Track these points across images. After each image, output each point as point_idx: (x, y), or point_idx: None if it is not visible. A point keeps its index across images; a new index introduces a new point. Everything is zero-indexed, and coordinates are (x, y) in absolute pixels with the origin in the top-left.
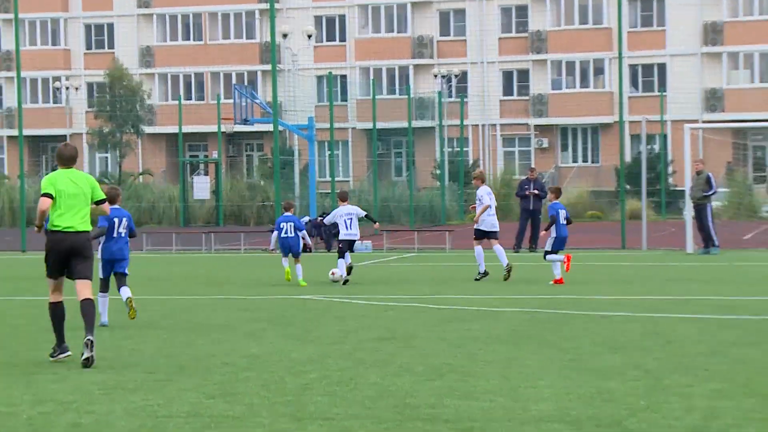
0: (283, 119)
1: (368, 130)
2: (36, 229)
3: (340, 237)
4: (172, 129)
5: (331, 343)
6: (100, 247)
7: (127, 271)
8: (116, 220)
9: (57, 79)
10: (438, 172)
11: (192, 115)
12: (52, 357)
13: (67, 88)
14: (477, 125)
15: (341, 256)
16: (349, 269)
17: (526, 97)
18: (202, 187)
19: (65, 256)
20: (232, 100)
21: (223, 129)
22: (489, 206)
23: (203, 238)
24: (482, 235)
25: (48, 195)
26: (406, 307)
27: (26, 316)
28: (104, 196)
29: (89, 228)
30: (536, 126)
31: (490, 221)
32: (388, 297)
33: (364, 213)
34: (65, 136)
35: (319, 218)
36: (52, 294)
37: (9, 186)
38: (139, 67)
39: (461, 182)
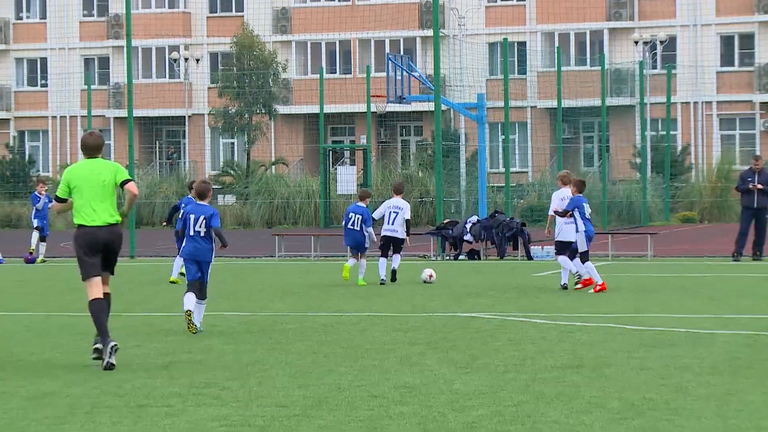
0: (446, 96)
1: (552, 109)
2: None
3: (382, 232)
4: (312, 109)
5: (504, 371)
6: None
7: (206, 278)
8: (192, 216)
9: (174, 48)
10: (638, 161)
11: (336, 92)
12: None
13: (186, 60)
14: (688, 103)
15: (383, 254)
16: (393, 273)
17: (751, 68)
18: (347, 179)
19: (96, 251)
20: (384, 74)
21: (373, 109)
22: (555, 213)
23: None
24: (563, 247)
25: (59, 199)
26: (597, 327)
27: (136, 335)
28: (128, 177)
29: (118, 219)
30: (763, 104)
31: (568, 229)
32: (573, 315)
33: (408, 216)
34: (183, 117)
35: (475, 220)
36: (91, 291)
37: None
38: (272, 33)
39: (667, 174)
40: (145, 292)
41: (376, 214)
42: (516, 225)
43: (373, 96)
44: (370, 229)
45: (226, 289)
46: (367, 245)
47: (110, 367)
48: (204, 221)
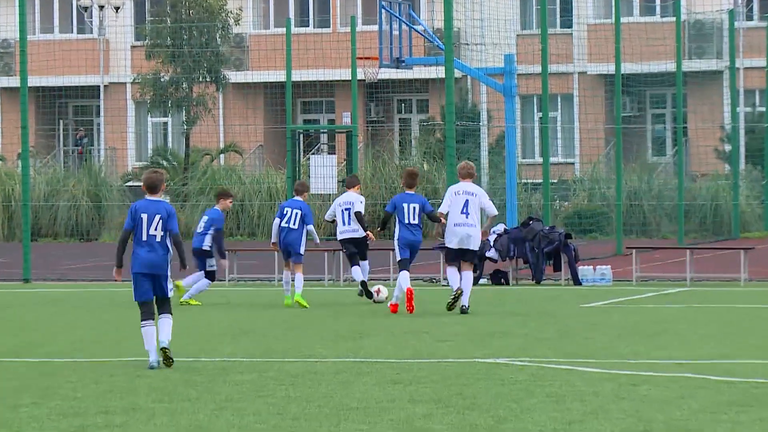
0: (462, 60)
1: (607, 76)
2: None
3: (338, 236)
4: (276, 76)
5: None
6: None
7: (169, 293)
8: (144, 216)
9: None
10: (727, 148)
11: (309, 54)
12: None
13: (102, 8)
14: None
15: (354, 263)
16: (363, 286)
17: None
18: (324, 172)
19: None
20: (375, 27)
21: (360, 76)
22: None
23: (326, 258)
24: None
25: None
26: (670, 379)
27: (31, 389)
28: None
29: None
30: None
31: None
32: (638, 362)
33: (360, 209)
34: (97, 87)
35: (505, 229)
36: None
37: (5, 172)
38: None
39: (767, 167)
40: (45, 329)
41: (327, 215)
42: (558, 237)
43: (360, 58)
44: (311, 227)
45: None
46: (301, 250)
47: None
48: (161, 222)
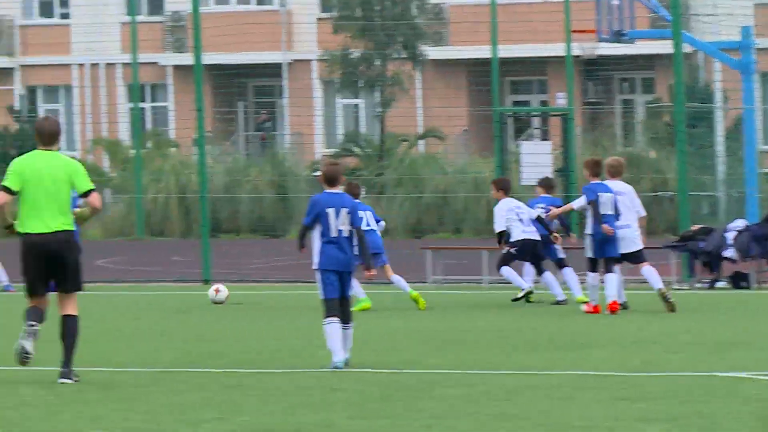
0: (691, 32)
1: None
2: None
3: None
4: (480, 52)
5: None
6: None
7: (348, 293)
8: (330, 211)
9: None
10: None
11: (517, 27)
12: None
13: None
14: None
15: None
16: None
17: None
18: (538, 160)
19: (44, 264)
20: None
21: (576, 51)
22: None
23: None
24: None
25: (6, 189)
26: None
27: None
28: (90, 186)
29: (68, 227)
30: None
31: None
32: None
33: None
34: (279, 65)
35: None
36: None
37: (179, 160)
38: None
39: None
40: (229, 335)
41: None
42: None
43: (575, 32)
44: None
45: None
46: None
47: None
48: (348, 217)
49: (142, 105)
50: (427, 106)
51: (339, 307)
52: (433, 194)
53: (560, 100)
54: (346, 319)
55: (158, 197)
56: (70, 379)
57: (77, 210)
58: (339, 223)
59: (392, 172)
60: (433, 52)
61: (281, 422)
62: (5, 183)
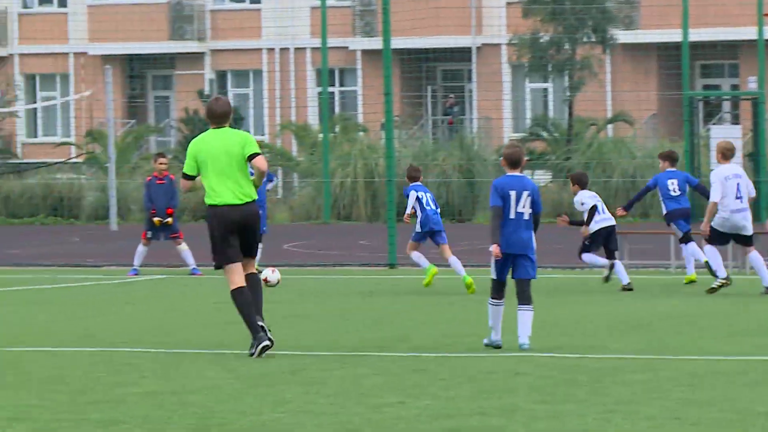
0: None
1: None
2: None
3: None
4: (670, 36)
5: None
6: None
7: (526, 275)
8: (512, 193)
9: None
10: None
11: (708, 10)
12: (252, 354)
13: None
14: None
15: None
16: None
17: None
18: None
19: (232, 233)
20: None
21: None
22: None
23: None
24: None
25: (185, 176)
26: None
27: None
28: (257, 150)
29: (253, 197)
30: None
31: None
32: None
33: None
34: (468, 49)
35: None
36: (232, 279)
37: (367, 144)
38: None
39: None
40: (412, 320)
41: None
42: None
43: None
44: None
45: (536, 317)
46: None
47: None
48: (529, 200)
49: (330, 89)
50: (615, 90)
51: (517, 287)
52: (621, 178)
53: (751, 84)
54: (525, 300)
55: (345, 181)
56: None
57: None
58: (519, 206)
59: (580, 156)
60: (623, 36)
61: (464, 406)
62: (184, 170)
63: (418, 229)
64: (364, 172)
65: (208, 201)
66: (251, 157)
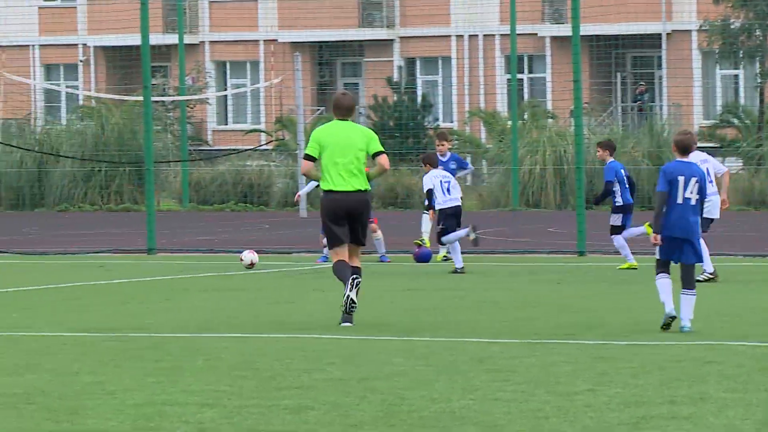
0: None
1: None
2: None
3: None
4: None
5: None
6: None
7: (689, 260)
8: (681, 178)
9: None
10: None
11: None
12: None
13: None
14: None
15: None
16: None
17: None
18: None
19: (343, 219)
20: None
21: None
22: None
23: None
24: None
25: (308, 157)
26: None
27: None
28: (381, 148)
29: (366, 187)
30: None
31: None
32: None
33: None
34: (658, 35)
35: None
36: (336, 258)
37: (556, 132)
38: None
39: None
40: (599, 306)
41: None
42: None
43: None
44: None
45: (729, 303)
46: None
47: (350, 304)
48: (696, 185)
49: (519, 76)
50: None
51: (681, 271)
52: None
53: None
54: (688, 285)
55: (534, 169)
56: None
57: (367, 170)
58: (687, 192)
59: None
60: None
61: (654, 394)
62: (306, 151)
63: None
64: (553, 159)
65: (323, 186)
66: (376, 154)
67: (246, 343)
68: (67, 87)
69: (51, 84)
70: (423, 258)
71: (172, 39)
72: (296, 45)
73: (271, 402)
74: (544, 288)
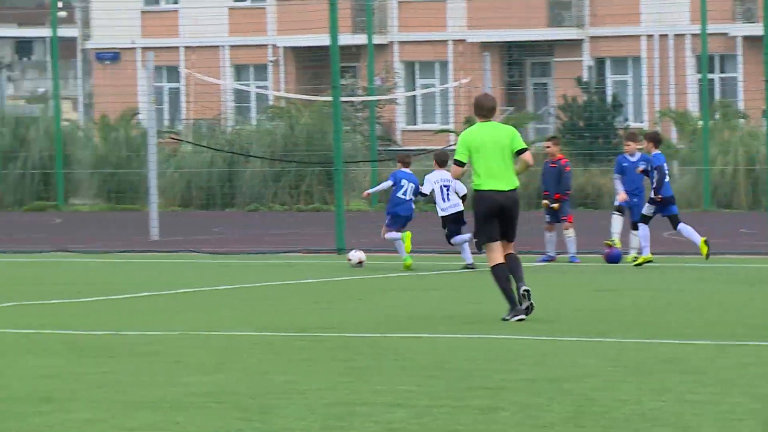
0: None
1: None
2: None
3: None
4: None
5: None
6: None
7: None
8: None
9: None
10: None
11: None
12: (505, 318)
13: None
14: None
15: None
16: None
17: None
18: None
19: (495, 217)
20: None
21: None
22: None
23: None
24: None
25: (457, 162)
26: None
27: None
28: (524, 145)
29: (516, 185)
30: None
31: None
32: None
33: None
34: None
35: None
36: (492, 256)
37: (748, 132)
38: None
39: None
40: None
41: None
42: None
43: None
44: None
45: None
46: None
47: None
48: None
49: (710, 76)
50: None
51: None
52: None
53: None
54: None
55: (726, 169)
56: (525, 285)
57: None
58: None
59: None
60: None
61: None
62: (455, 157)
63: None
64: (745, 160)
65: (475, 186)
66: (520, 151)
67: (437, 343)
68: (256, 87)
69: (241, 84)
70: (613, 259)
71: (361, 39)
72: (485, 45)
73: (461, 402)
74: (736, 289)
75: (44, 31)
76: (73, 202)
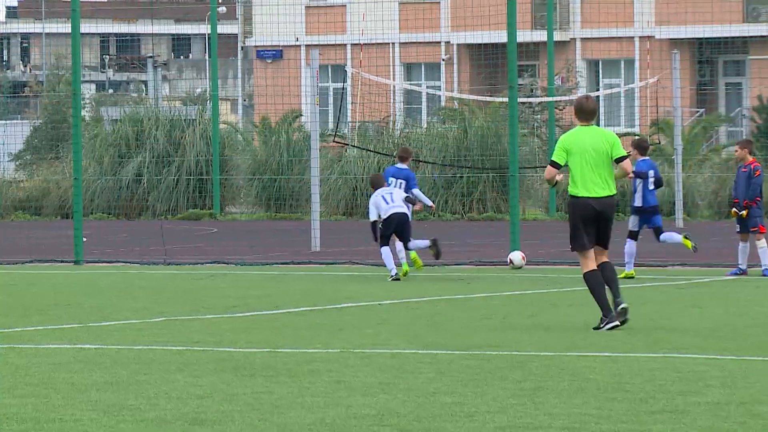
0: None
1: None
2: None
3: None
4: None
5: None
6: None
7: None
8: None
9: None
10: None
11: None
12: (598, 328)
13: None
14: None
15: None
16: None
17: None
18: None
19: (590, 223)
20: None
21: None
22: None
23: None
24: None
25: (553, 163)
26: None
27: None
28: (624, 153)
29: (613, 192)
30: None
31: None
32: None
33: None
34: None
35: None
36: (586, 263)
37: None
38: None
39: None
40: None
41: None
42: None
43: None
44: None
45: None
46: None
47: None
48: None
49: None
50: None
51: None
52: None
53: None
54: None
55: None
56: (624, 302)
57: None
58: None
59: None
60: None
61: None
62: (552, 158)
63: None
64: None
65: (571, 191)
66: (619, 159)
67: (616, 363)
68: (427, 88)
69: (411, 84)
70: None
71: (540, 36)
72: (674, 42)
73: (641, 426)
74: None
75: (202, 28)
76: (229, 210)
